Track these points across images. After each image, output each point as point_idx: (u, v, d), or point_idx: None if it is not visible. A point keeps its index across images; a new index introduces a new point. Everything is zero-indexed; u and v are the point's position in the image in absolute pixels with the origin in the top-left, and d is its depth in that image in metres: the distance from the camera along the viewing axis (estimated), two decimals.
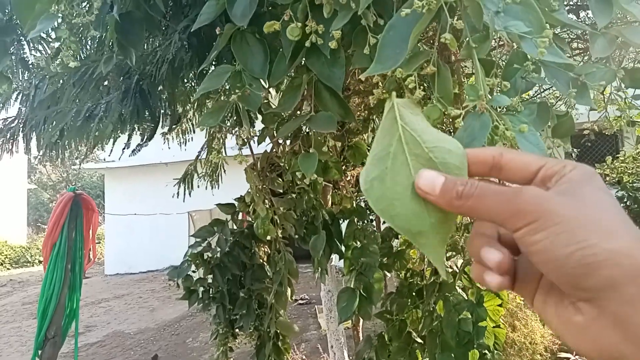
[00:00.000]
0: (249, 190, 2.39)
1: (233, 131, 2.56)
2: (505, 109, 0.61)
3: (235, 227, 2.62)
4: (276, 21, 0.89)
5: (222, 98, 1.84)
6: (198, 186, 4.38)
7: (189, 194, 4.33)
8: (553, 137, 0.98)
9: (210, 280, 2.58)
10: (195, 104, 3.44)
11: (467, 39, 0.59)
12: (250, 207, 2.49)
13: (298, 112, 1.92)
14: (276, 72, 1.02)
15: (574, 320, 0.38)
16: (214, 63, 1.88)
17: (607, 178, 5.73)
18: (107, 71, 1.79)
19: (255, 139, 2.13)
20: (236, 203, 2.54)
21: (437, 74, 0.68)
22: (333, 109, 1.07)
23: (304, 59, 1.01)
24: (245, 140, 2.46)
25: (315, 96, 1.07)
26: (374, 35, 0.77)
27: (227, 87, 1.18)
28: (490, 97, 0.57)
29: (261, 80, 1.11)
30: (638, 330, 0.34)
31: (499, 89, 0.62)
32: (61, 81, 2.40)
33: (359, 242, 2.22)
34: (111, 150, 3.04)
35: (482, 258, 0.43)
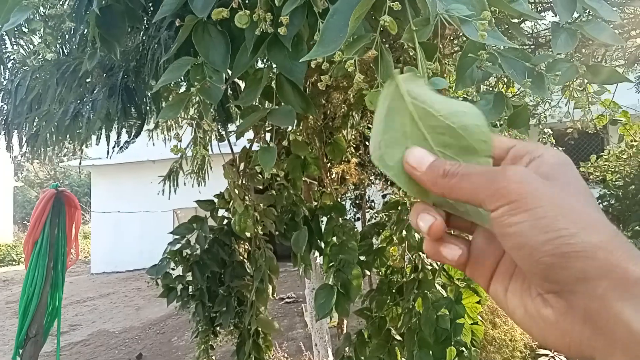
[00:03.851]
0: (228, 187, 2.38)
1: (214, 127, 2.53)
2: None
3: (215, 224, 2.60)
4: (224, 8, 0.87)
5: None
6: (184, 184, 4.36)
7: (175, 191, 4.31)
8: (509, 127, 0.97)
9: (189, 278, 2.56)
10: None
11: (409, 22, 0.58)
12: (230, 203, 2.47)
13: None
14: (238, 64, 1.01)
15: (542, 313, 0.36)
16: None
17: (591, 176, 5.78)
18: (92, 67, 1.76)
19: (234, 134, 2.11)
20: (215, 200, 2.52)
21: (380, 58, 0.67)
22: (295, 102, 1.06)
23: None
24: (222, 135, 2.44)
25: (277, 89, 1.06)
26: (324, 21, 0.76)
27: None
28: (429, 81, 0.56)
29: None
30: (608, 325, 0.33)
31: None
32: (43, 78, 2.36)
33: (338, 239, 2.21)
34: (107, 151, 3.00)
35: (418, 227, 0.42)
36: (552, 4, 2.38)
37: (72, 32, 2.25)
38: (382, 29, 0.59)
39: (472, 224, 0.44)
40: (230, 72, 1.08)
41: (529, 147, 0.41)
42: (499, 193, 0.36)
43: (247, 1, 1.01)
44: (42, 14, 1.91)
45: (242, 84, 2.06)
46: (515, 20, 1.72)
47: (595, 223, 0.35)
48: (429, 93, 0.44)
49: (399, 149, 0.43)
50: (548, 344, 0.38)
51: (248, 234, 2.37)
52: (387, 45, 0.68)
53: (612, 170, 5.36)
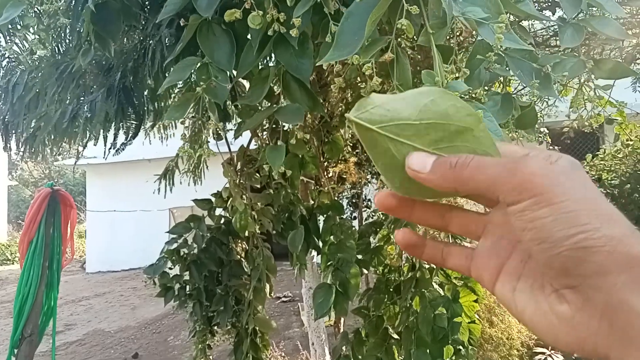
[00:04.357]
0: (226, 186, 2.37)
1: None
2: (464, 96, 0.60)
3: (212, 223, 2.59)
4: (237, 9, 0.87)
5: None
6: (180, 182, 4.34)
7: (170, 190, 4.29)
8: (517, 128, 0.97)
9: (186, 277, 2.55)
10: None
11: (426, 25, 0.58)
12: (229, 202, 2.46)
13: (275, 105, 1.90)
14: (244, 64, 1.00)
15: (557, 310, 0.36)
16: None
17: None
18: (85, 64, 1.75)
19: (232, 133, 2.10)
20: (213, 199, 2.51)
21: (396, 61, 0.66)
22: (302, 100, 1.05)
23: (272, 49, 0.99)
24: (220, 134, 2.44)
25: (283, 87, 1.05)
26: (336, 23, 0.75)
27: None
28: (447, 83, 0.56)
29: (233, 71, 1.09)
30: (627, 321, 0.32)
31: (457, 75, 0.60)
32: (40, 78, 2.34)
33: (336, 238, 2.21)
34: (105, 150, 2.98)
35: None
36: (549, 3, 2.39)
37: (68, 31, 2.24)
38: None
39: (478, 228, 0.45)
40: (235, 72, 1.08)
41: (543, 156, 0.39)
42: (521, 186, 0.36)
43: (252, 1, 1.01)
44: (37, 10, 1.89)
45: (243, 82, 2.05)
46: (512, 19, 1.72)
47: (615, 217, 0.35)
48: (388, 105, 0.43)
49: (395, 171, 0.43)
50: (560, 342, 0.37)
51: (246, 233, 2.36)
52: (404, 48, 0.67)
53: (608, 169, 5.37)
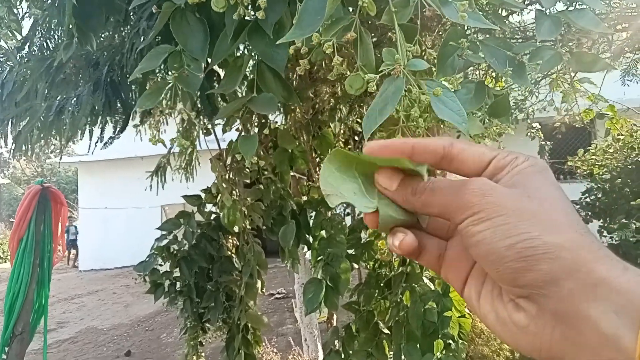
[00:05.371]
0: (215, 181, 2.36)
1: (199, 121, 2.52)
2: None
3: (202, 219, 2.58)
4: None
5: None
6: (172, 179, 4.32)
7: (162, 187, 4.27)
8: (490, 117, 0.97)
9: (177, 274, 2.54)
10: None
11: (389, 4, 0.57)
12: (218, 198, 2.45)
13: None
14: (218, 51, 0.99)
15: (514, 318, 0.37)
16: None
17: (579, 170, 5.83)
18: (66, 58, 1.73)
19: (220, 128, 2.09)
20: (202, 194, 2.50)
21: (359, 41, 0.66)
22: (276, 90, 1.04)
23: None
24: (209, 129, 2.43)
25: (258, 77, 1.04)
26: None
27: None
28: (407, 62, 0.55)
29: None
30: (578, 327, 0.33)
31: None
32: (28, 73, 2.32)
33: (326, 233, 2.21)
34: (89, 146, 2.96)
35: (392, 246, 0.43)
36: None
37: (59, 26, 2.22)
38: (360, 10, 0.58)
39: (448, 229, 0.45)
40: (209, 61, 1.06)
41: (510, 158, 0.40)
42: (463, 206, 0.37)
43: None
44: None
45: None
46: (504, 14, 1.72)
47: (559, 224, 0.35)
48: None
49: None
50: (520, 349, 0.38)
51: (236, 228, 2.35)
52: (366, 27, 0.67)
53: (599, 164, 5.39)
